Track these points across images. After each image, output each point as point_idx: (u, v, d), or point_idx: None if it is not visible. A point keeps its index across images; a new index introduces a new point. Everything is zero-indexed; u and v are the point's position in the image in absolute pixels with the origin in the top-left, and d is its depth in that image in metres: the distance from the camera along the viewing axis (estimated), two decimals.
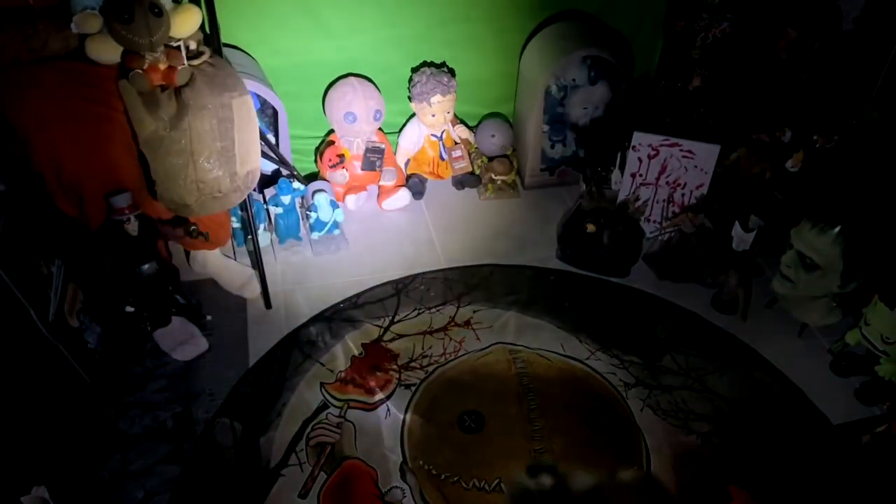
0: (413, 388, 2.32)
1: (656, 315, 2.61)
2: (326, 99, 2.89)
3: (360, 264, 2.77)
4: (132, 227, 2.11)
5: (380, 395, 2.30)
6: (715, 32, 2.91)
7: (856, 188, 2.57)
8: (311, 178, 2.98)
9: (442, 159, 3.12)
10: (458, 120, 3.13)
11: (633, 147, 2.80)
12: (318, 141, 3.06)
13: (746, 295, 2.59)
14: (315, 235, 2.82)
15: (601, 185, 3.02)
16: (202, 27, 2.04)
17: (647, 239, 2.85)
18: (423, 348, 2.45)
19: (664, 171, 2.81)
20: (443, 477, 2.09)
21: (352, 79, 2.87)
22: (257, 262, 2.53)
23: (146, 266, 2.19)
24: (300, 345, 2.45)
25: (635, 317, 2.61)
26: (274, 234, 2.79)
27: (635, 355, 2.45)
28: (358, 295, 2.63)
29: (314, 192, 2.79)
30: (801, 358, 2.46)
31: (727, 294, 2.61)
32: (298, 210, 2.80)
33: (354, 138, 2.91)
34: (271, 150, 2.65)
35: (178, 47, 1.96)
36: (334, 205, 2.82)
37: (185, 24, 1.96)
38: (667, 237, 2.84)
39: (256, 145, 2.15)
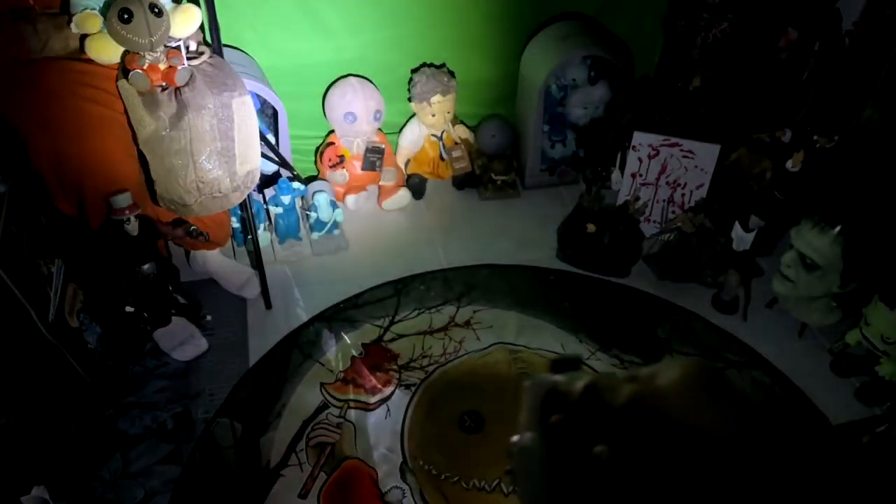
0: (413, 389, 2.32)
1: (656, 315, 2.61)
2: (326, 99, 2.89)
3: (360, 264, 2.77)
4: (132, 227, 2.11)
5: (380, 395, 2.30)
6: (715, 32, 2.91)
7: (856, 188, 2.56)
8: (311, 178, 2.98)
9: (442, 159, 3.12)
10: (458, 120, 3.13)
11: (633, 147, 2.80)
12: (318, 141, 3.06)
13: (746, 295, 2.59)
14: (315, 235, 2.82)
15: (601, 186, 3.02)
16: (202, 27, 2.04)
17: (647, 239, 2.86)
18: (423, 348, 2.45)
19: (664, 171, 2.81)
20: (443, 477, 2.09)
21: (352, 79, 2.87)
22: (257, 262, 2.53)
23: (146, 266, 2.19)
24: (300, 345, 2.45)
25: (635, 317, 2.61)
26: (274, 234, 2.79)
27: (635, 355, 2.45)
28: (358, 295, 2.63)
29: (314, 192, 2.79)
30: (801, 358, 2.46)
31: (727, 294, 2.61)
32: (298, 210, 2.80)
33: (354, 138, 2.91)
34: (271, 150, 2.65)
35: (178, 47, 1.96)
36: (334, 205, 2.82)
37: (185, 24, 1.96)
38: (667, 237, 2.83)
39: (256, 145, 2.15)
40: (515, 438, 0.56)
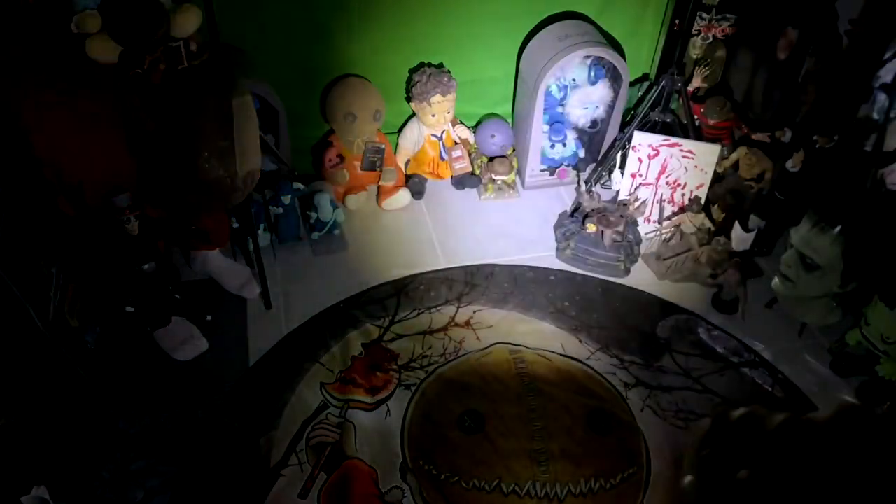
0: (413, 388, 2.32)
1: (656, 315, 2.61)
2: (326, 99, 2.89)
3: (360, 264, 2.77)
4: (132, 227, 2.12)
5: (380, 395, 2.30)
6: (715, 32, 2.91)
7: (856, 188, 2.56)
8: (311, 178, 2.98)
9: (442, 159, 3.12)
10: (458, 120, 3.13)
11: (633, 147, 2.80)
12: (318, 141, 3.06)
13: (744, 295, 2.59)
14: (315, 235, 2.82)
15: (600, 185, 3.02)
16: (202, 27, 2.04)
17: (647, 239, 2.85)
18: (423, 348, 2.45)
19: (664, 171, 2.81)
20: (443, 477, 2.09)
21: (352, 79, 2.87)
22: (257, 262, 2.53)
23: (146, 266, 2.19)
24: (300, 344, 2.45)
25: (635, 317, 2.61)
26: (274, 234, 2.79)
27: (635, 355, 2.45)
28: (358, 295, 2.63)
29: (314, 193, 2.79)
30: (801, 358, 2.46)
31: (727, 294, 2.61)
32: (298, 210, 2.80)
33: (354, 138, 2.91)
34: (271, 151, 2.65)
35: (178, 47, 1.96)
36: (334, 205, 2.82)
37: (185, 24, 1.96)
38: (667, 237, 2.83)
39: (256, 145, 2.15)
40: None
